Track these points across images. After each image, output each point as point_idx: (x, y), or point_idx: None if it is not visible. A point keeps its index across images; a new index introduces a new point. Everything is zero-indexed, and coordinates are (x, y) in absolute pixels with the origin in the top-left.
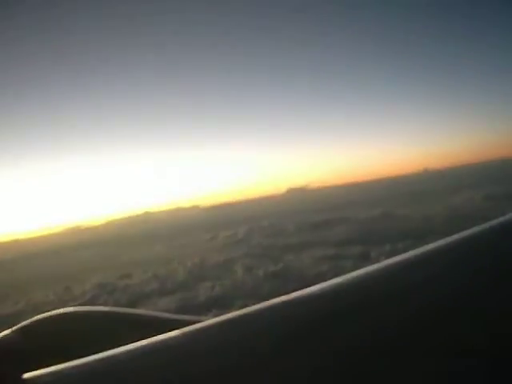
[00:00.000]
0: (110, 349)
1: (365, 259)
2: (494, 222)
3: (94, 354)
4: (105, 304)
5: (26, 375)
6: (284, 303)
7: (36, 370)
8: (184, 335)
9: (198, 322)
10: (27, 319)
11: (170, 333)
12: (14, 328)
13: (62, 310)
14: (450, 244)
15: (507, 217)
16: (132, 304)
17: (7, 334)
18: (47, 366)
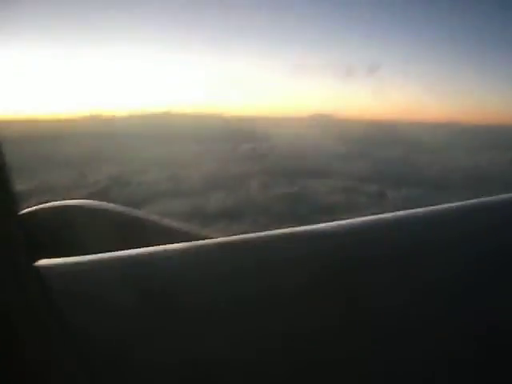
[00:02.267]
0: (108, 249)
1: (381, 198)
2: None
3: (92, 251)
4: (116, 197)
5: (39, 262)
6: (292, 236)
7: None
8: (190, 250)
9: (204, 237)
10: (38, 200)
11: (173, 245)
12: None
13: (64, 202)
14: (463, 208)
15: None
16: (143, 201)
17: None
18: (45, 256)
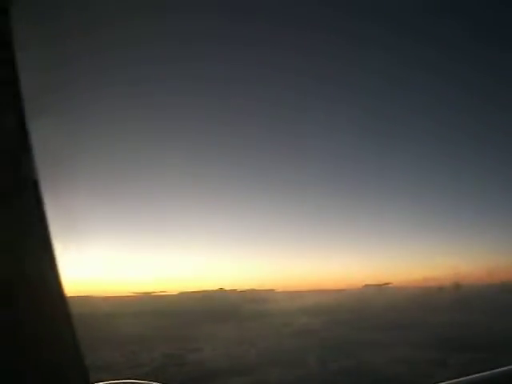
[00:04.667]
0: None
1: (441, 366)
2: None
3: None
4: (172, 375)
5: None
6: None
7: None
8: None
9: None
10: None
11: None
12: None
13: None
14: None
15: None
16: (198, 380)
17: None
18: None
